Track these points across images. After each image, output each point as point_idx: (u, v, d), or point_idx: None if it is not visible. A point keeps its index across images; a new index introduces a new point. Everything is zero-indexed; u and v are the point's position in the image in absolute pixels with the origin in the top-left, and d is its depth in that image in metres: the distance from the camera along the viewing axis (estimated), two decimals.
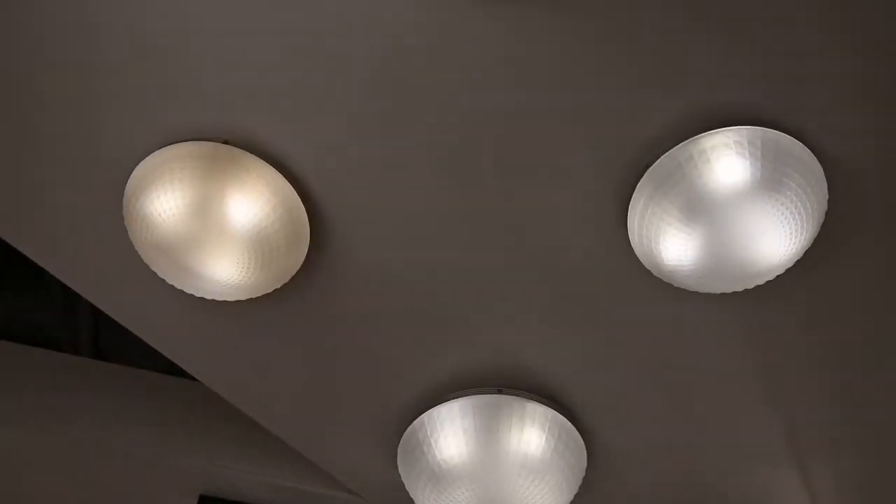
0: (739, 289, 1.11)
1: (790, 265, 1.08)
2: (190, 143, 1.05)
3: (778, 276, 1.10)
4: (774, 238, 1.03)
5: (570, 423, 1.32)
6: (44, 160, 1.11)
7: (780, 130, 1.02)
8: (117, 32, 1.00)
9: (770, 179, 1.00)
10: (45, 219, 1.17)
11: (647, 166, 1.05)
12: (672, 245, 1.06)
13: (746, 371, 1.29)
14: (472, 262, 1.19)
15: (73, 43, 1.01)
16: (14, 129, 1.09)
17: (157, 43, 1.00)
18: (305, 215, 1.11)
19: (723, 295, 1.13)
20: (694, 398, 1.33)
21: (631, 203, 1.08)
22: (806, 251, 1.08)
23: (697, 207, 1.02)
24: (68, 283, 1.22)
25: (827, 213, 1.07)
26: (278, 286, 1.14)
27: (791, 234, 1.03)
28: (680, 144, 1.03)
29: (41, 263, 1.20)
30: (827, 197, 1.05)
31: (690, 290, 1.13)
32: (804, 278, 1.15)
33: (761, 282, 1.10)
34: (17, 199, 1.16)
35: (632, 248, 1.12)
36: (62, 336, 1.96)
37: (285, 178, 1.08)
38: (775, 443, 1.39)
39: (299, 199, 1.09)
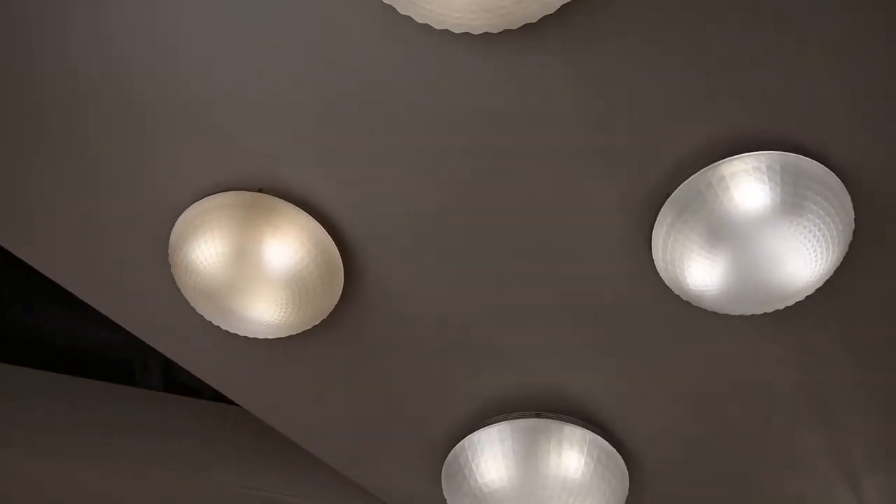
0: (769, 310, 1.11)
1: (819, 285, 1.08)
2: (227, 193, 1.11)
3: (809, 295, 1.10)
4: (799, 261, 1.03)
5: (609, 446, 1.33)
6: (100, 210, 1.18)
7: (804, 154, 1.02)
8: (159, 98, 1.06)
9: (791, 204, 1.00)
10: (96, 262, 1.24)
11: (668, 195, 1.07)
12: (696, 271, 1.06)
13: (786, 389, 1.29)
14: (504, 290, 1.22)
15: (124, 109, 1.08)
16: (72, 186, 1.17)
17: (194, 105, 1.07)
18: (339, 256, 1.16)
19: (754, 315, 1.13)
20: (733, 417, 1.33)
21: (654, 230, 1.09)
22: (836, 269, 1.08)
23: (719, 233, 1.03)
24: (121, 323, 1.30)
25: (855, 232, 1.06)
26: (318, 322, 1.20)
27: (816, 256, 1.03)
28: (699, 172, 1.04)
29: (90, 302, 1.27)
30: (853, 216, 1.05)
31: (720, 313, 1.13)
32: (837, 295, 1.15)
33: (790, 303, 1.10)
34: (74, 247, 1.23)
35: (658, 275, 1.13)
36: (134, 354, 2.05)
37: (318, 221, 1.13)
38: (824, 459, 1.38)
39: (332, 241, 1.14)
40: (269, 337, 1.20)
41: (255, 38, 1.01)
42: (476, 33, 0.91)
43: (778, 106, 1.01)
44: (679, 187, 1.05)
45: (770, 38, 0.97)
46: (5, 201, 1.18)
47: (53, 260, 1.23)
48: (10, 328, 1.99)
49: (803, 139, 1.03)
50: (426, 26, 0.91)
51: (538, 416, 1.33)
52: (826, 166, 1.02)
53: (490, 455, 1.31)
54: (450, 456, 1.36)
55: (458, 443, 1.35)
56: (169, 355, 1.35)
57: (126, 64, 1.04)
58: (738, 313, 1.12)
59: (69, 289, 1.25)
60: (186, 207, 1.13)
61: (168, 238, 1.16)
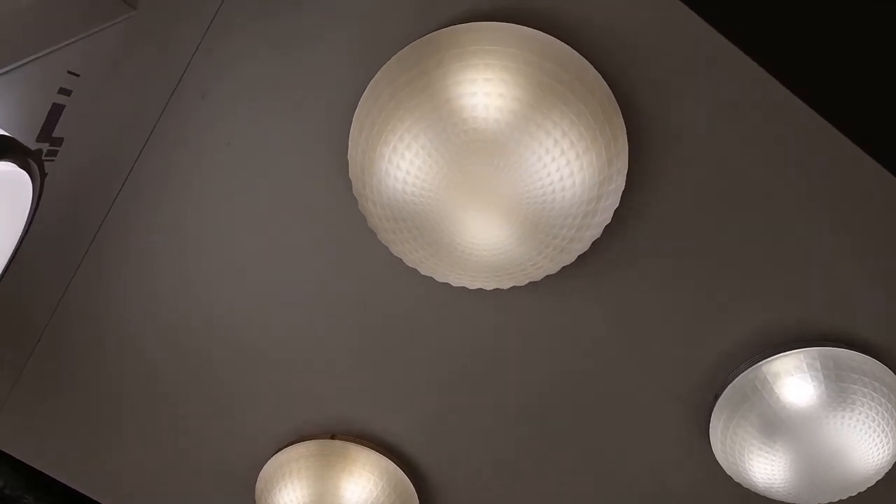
0: (844, 496, 1.10)
1: (889, 468, 1.07)
2: (303, 444, 1.21)
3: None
4: (862, 450, 1.03)
5: None
6: (189, 465, 1.30)
7: (841, 343, 1.05)
8: (237, 359, 1.19)
9: (838, 399, 1.02)
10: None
11: (717, 396, 1.10)
12: (758, 468, 1.08)
13: None
14: (567, 491, 1.26)
15: (210, 372, 1.21)
16: (163, 443, 1.29)
17: (271, 363, 1.19)
18: (410, 484, 1.22)
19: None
20: None
21: (710, 432, 1.12)
22: None
23: (773, 433, 1.05)
24: None
25: None
26: None
27: (878, 443, 1.03)
28: (743, 374, 1.07)
29: None
30: None
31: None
32: None
33: (864, 489, 1.09)
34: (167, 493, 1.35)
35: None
36: None
37: (388, 457, 1.21)
38: None
39: (404, 473, 1.21)
40: None
41: (311, 304, 1.14)
42: (505, 288, 1.00)
43: (806, 300, 1.05)
44: (725, 390, 1.09)
45: (778, 240, 1.02)
46: (101, 464, 1.31)
47: None
48: None
49: (838, 329, 1.05)
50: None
51: None
52: (866, 353, 1.04)
53: None
54: None
55: None
56: None
57: (202, 330, 1.18)
58: (815, 503, 1.12)
59: None
60: (269, 456, 1.24)
61: (254, 482, 1.26)
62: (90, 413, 1.26)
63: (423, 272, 0.99)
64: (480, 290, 1.00)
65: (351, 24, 0.95)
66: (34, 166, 0.76)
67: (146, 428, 1.27)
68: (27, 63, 0.75)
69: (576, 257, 0.97)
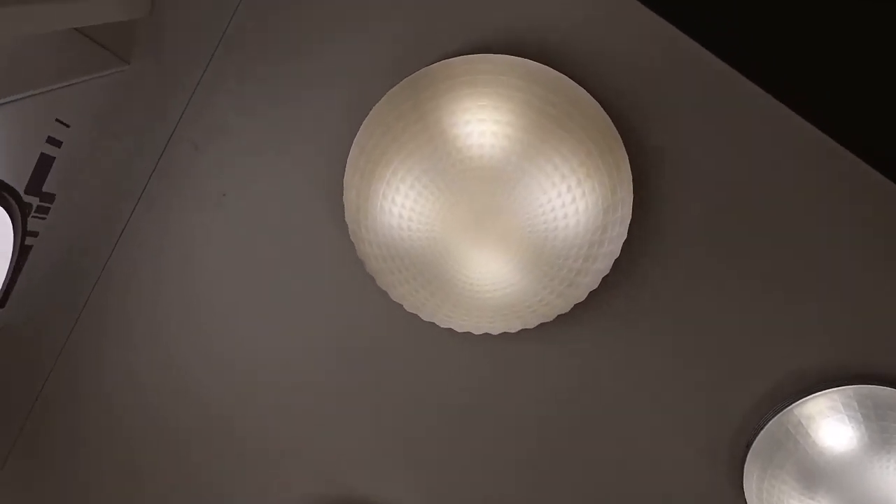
0: None
1: None
2: None
3: None
4: None
5: None
6: None
7: (880, 381, 0.97)
8: (242, 434, 1.14)
9: (880, 441, 0.93)
10: None
11: (748, 446, 1.02)
12: None
13: None
14: None
15: (221, 439, 1.16)
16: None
17: (270, 436, 1.13)
18: None
19: None
20: None
21: (745, 487, 1.03)
22: None
23: (813, 481, 0.96)
24: None
25: None
26: None
27: None
28: (774, 419, 0.99)
29: None
30: None
31: None
32: None
33: None
34: None
35: None
36: None
37: None
38: None
39: None
40: None
41: (307, 366, 1.08)
42: (513, 331, 0.95)
43: (838, 337, 0.98)
44: (757, 438, 1.00)
45: (800, 271, 0.97)
46: None
47: None
48: None
49: (874, 366, 0.98)
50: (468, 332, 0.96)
51: None
52: None
53: None
54: None
55: None
56: None
57: (204, 393, 1.13)
58: None
59: None
60: None
61: None
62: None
63: (423, 318, 0.94)
64: (487, 335, 0.95)
65: (342, 71, 0.94)
66: (11, 202, 0.73)
67: None
68: (11, 102, 0.74)
69: (586, 294, 0.91)
